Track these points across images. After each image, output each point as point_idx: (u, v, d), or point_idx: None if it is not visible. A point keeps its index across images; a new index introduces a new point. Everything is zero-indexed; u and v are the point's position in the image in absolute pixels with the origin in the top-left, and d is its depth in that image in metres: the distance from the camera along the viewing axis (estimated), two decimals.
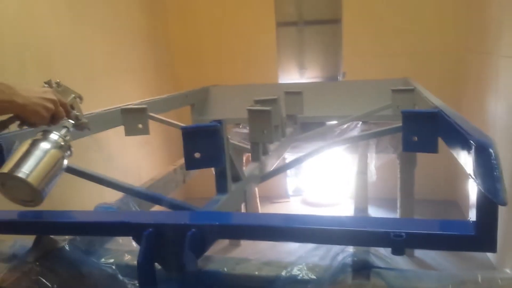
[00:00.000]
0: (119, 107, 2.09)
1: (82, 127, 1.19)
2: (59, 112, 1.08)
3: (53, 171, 1.01)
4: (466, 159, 0.96)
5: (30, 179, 0.95)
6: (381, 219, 0.98)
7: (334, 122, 2.80)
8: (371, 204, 3.69)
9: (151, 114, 2.17)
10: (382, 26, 3.85)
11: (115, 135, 2.81)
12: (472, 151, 0.91)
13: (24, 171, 0.95)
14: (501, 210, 0.83)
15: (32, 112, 1.01)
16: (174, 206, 1.28)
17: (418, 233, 0.89)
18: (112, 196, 1.54)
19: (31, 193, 0.98)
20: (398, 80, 2.91)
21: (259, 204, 4.05)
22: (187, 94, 2.91)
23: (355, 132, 2.83)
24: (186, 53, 4.24)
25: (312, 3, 4.19)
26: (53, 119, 1.08)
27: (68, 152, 1.09)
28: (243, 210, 1.67)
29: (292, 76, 4.34)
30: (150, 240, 0.96)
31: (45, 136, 1.05)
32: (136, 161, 3.38)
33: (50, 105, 1.05)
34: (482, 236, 0.86)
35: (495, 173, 0.80)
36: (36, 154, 0.99)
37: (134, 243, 1.24)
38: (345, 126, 2.88)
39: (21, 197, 0.99)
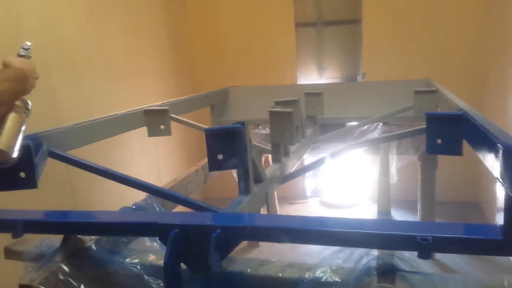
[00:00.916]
0: (142, 108, 2.12)
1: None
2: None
3: (17, 131, 1.09)
4: (493, 163, 0.95)
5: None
6: (407, 223, 0.98)
7: (354, 123, 2.78)
8: (392, 206, 3.67)
9: (173, 115, 2.19)
10: (402, 27, 3.81)
11: (136, 138, 2.85)
12: (500, 154, 0.90)
13: None
14: None
15: (28, 93, 1.14)
16: (198, 207, 1.29)
17: (445, 237, 0.88)
18: (134, 196, 1.56)
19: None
20: (420, 81, 2.88)
21: (277, 205, 4.05)
22: (207, 95, 2.93)
23: (375, 134, 2.81)
24: (206, 54, 4.27)
25: (331, 3, 4.18)
26: None
27: (27, 114, 1.16)
28: (264, 211, 1.67)
29: (311, 77, 4.33)
30: (176, 241, 0.97)
31: None
32: (156, 162, 3.42)
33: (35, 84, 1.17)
34: (509, 240, 0.85)
35: None
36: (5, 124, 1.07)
37: (157, 243, 1.27)
38: (365, 127, 2.86)
39: None
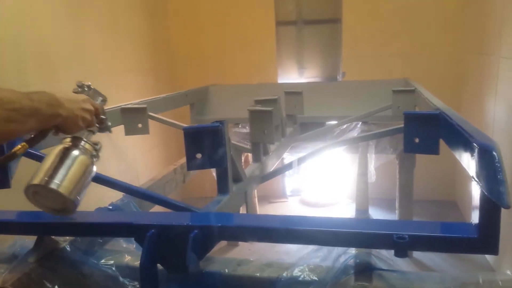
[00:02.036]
0: (119, 106, 2.09)
1: (104, 129, 1.15)
2: (93, 121, 1.07)
3: (84, 178, 0.98)
4: (469, 162, 0.96)
5: (62, 190, 0.92)
6: (383, 221, 0.98)
7: (334, 122, 2.80)
8: (370, 204, 3.71)
9: (151, 113, 2.16)
10: (381, 27, 3.85)
11: (113, 135, 2.80)
12: (475, 153, 0.91)
13: (55, 182, 0.92)
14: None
15: (72, 124, 0.99)
16: (176, 207, 1.27)
17: (421, 235, 0.89)
18: (111, 196, 1.53)
19: (63, 202, 0.94)
20: (398, 80, 2.91)
21: (257, 204, 4.05)
22: (186, 94, 2.90)
23: (354, 133, 2.83)
24: (186, 52, 4.23)
25: (312, 2, 4.18)
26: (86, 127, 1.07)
27: (96, 158, 1.05)
28: (244, 210, 1.66)
29: (291, 75, 4.33)
30: (153, 241, 0.96)
31: (74, 143, 1.01)
32: (134, 160, 3.37)
33: (88, 116, 1.04)
34: (484, 238, 0.87)
35: (498, 176, 0.80)
36: (67, 163, 0.96)
37: (133, 244, 1.25)
38: (344, 126, 2.87)
39: (53, 206, 0.96)
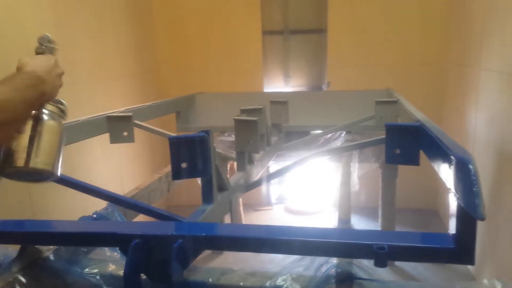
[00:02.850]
0: (105, 114, 2.09)
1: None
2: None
3: (59, 145, 0.99)
4: (446, 174, 0.99)
5: (42, 166, 0.95)
6: (364, 231, 1.01)
7: (319, 131, 2.83)
8: (353, 213, 3.75)
9: (136, 121, 2.17)
10: (366, 37, 3.91)
11: (98, 142, 2.80)
12: (453, 166, 0.94)
13: (35, 160, 0.94)
14: (479, 221, 0.86)
15: (53, 95, 0.99)
16: (160, 216, 1.28)
17: (400, 245, 0.91)
18: (96, 205, 1.53)
19: (46, 175, 0.98)
20: (382, 91, 2.96)
21: (242, 212, 4.06)
22: (172, 102, 2.91)
23: (338, 142, 2.87)
24: (173, 60, 4.24)
25: (298, 13, 4.24)
26: None
27: (64, 118, 1.04)
28: (228, 219, 1.67)
29: (277, 84, 4.37)
30: (137, 251, 0.96)
31: (41, 110, 0.99)
32: (119, 168, 3.36)
33: (61, 81, 1.03)
34: (461, 249, 0.89)
35: (474, 189, 0.82)
36: (40, 136, 0.96)
37: (118, 253, 1.25)
38: (329, 135, 2.91)
39: (35, 178, 0.99)
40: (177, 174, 1.26)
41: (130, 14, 3.70)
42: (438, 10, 3.78)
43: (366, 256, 0.94)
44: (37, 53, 1.05)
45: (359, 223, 3.93)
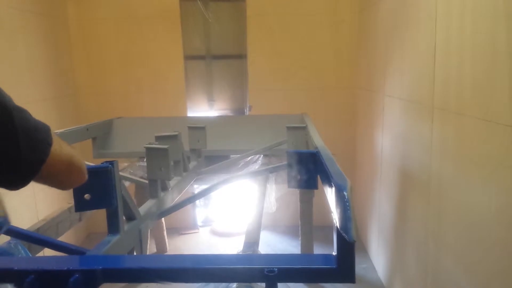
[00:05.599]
0: None
1: None
2: None
3: None
4: (330, 198, 1.09)
5: None
6: (256, 256, 1.07)
7: (238, 155, 2.91)
8: (276, 231, 3.84)
9: None
10: (282, 63, 4.10)
11: None
12: (333, 192, 1.03)
13: None
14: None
15: None
16: (63, 249, 1.27)
17: (288, 268, 0.98)
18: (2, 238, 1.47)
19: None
20: (297, 116, 3.10)
21: (166, 236, 4.02)
22: (88, 127, 2.85)
23: (256, 165, 2.96)
24: (93, 85, 4.15)
25: (219, 39, 4.35)
26: None
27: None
28: (138, 249, 1.67)
29: (202, 108, 4.42)
30: (33, 287, 0.95)
31: None
32: (32, 198, 3.21)
33: None
34: (342, 268, 0.98)
35: (347, 214, 0.92)
36: None
37: None
38: (248, 159, 2.99)
39: None
40: (79, 205, 1.26)
41: (47, 38, 3.60)
42: (348, 39, 4.06)
43: (259, 279, 0.99)
44: None
45: (282, 241, 4.04)
